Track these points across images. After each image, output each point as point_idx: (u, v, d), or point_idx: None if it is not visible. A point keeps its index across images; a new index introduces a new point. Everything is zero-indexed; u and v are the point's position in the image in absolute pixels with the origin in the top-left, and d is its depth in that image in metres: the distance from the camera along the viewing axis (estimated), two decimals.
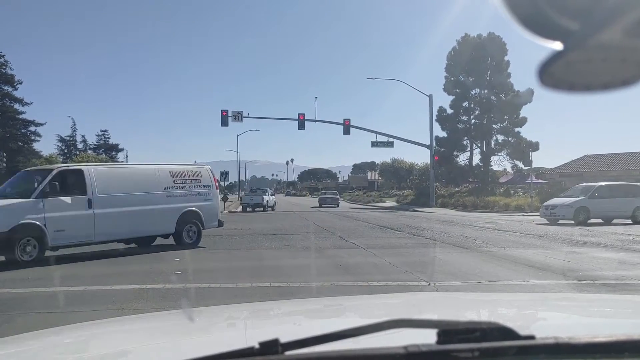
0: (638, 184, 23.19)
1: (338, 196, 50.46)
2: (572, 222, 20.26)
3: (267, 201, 35.59)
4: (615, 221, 21.15)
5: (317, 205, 44.10)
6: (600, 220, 21.08)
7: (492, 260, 10.34)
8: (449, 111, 46.41)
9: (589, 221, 20.33)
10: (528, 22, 0.71)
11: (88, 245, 11.14)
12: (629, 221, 20.66)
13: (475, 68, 44.58)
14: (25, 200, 10.06)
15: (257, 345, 0.93)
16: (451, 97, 46.36)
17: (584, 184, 23.67)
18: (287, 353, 0.92)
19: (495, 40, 44.56)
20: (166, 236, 12.53)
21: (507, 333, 0.95)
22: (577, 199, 21.06)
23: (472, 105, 46.46)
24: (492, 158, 46.04)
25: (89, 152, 70.97)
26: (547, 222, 20.87)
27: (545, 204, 22.26)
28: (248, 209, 34.92)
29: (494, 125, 45.42)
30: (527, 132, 52.50)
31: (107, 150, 75.59)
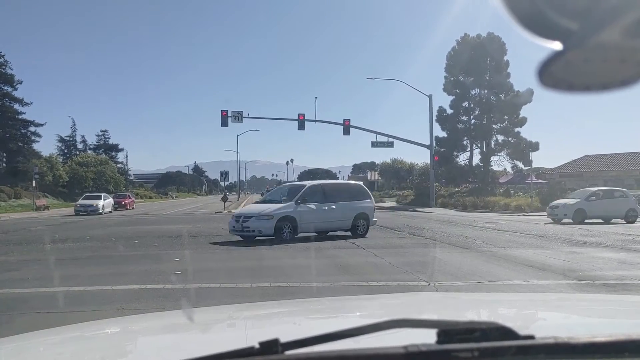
0: (625, 189, 25.93)
1: None
2: (572, 221, 21.56)
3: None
4: (613, 221, 22.60)
5: None
6: (600, 220, 22.35)
7: (492, 261, 10.34)
8: (449, 111, 46.44)
9: (586, 220, 21.75)
10: (527, 22, 0.71)
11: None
12: (623, 221, 22.37)
13: (474, 68, 44.59)
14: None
15: (257, 345, 0.93)
16: (451, 97, 46.42)
17: (584, 188, 26.40)
18: (287, 353, 0.92)
19: (495, 40, 44.58)
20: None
21: (506, 333, 0.95)
22: (576, 200, 22.68)
23: (472, 105, 46.48)
24: (492, 158, 46.07)
25: (89, 152, 71.13)
26: (552, 221, 22.20)
27: (551, 204, 23.81)
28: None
29: (493, 126, 45.45)
30: (527, 132, 52.61)
31: (107, 150, 75.74)
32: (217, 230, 17.89)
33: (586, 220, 21.83)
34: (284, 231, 14.03)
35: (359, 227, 15.34)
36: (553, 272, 8.96)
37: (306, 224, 14.33)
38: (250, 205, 18.16)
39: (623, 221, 22.45)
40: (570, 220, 21.71)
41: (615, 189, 25.30)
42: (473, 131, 46.33)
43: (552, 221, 22.26)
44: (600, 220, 22.21)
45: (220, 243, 13.78)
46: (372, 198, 16.80)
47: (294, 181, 19.75)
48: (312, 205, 14.62)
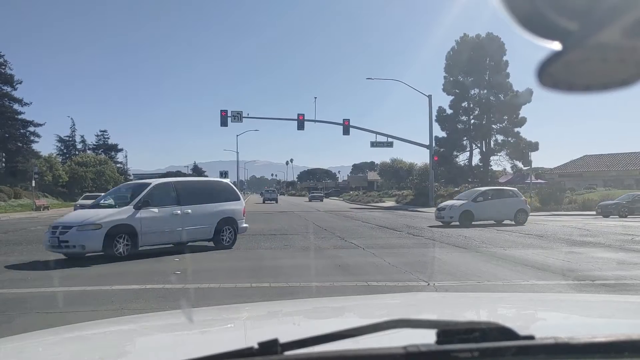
0: (515, 189, 24.45)
1: (322, 194, 73.94)
2: (458, 224, 19.95)
3: None
4: (505, 222, 21.17)
5: (308, 200, 62.12)
6: (492, 222, 20.87)
7: (492, 260, 10.35)
8: (449, 111, 46.50)
9: (473, 223, 20.21)
10: (527, 22, 0.71)
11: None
12: (513, 222, 20.92)
13: (474, 68, 44.65)
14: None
15: (256, 346, 0.93)
16: (450, 97, 46.48)
17: (474, 188, 25.67)
18: (287, 353, 0.92)
19: (494, 40, 44.64)
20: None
21: (506, 333, 0.95)
22: (463, 202, 21.11)
23: (472, 105, 46.53)
24: (491, 158, 46.15)
25: (88, 152, 71.10)
26: (441, 224, 20.34)
27: (439, 206, 22.27)
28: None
29: (493, 126, 45.50)
30: (526, 132, 52.65)
31: (107, 150, 75.68)
32: None
33: (474, 223, 20.23)
34: (118, 245, 10.90)
35: (224, 236, 12.77)
36: (552, 272, 8.96)
37: (151, 234, 11.47)
38: (75, 212, 14.91)
39: (513, 222, 20.83)
40: (457, 223, 20.09)
41: (505, 189, 24.04)
42: (472, 131, 46.37)
43: (441, 224, 20.41)
44: (492, 222, 20.78)
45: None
46: (242, 199, 14.34)
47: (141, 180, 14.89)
48: (156, 210, 11.66)
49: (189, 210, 12.10)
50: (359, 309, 2.16)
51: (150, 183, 12.30)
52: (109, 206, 11.83)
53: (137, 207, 11.38)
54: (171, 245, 12.16)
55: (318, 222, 22.04)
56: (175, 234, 11.94)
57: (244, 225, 13.59)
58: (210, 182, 14.79)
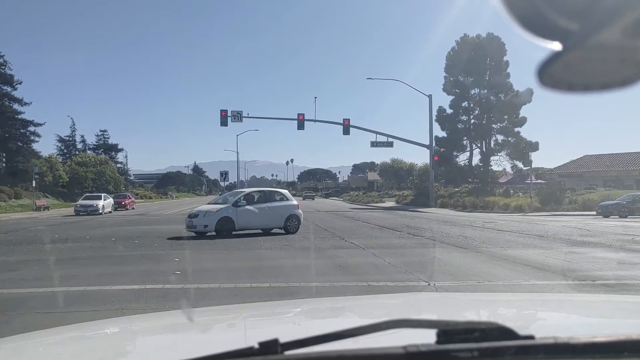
0: (286, 190, 20.02)
1: (313, 194, 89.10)
2: (215, 234, 15.87)
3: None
4: (274, 231, 16.98)
5: (302, 199, 65.93)
6: (259, 231, 16.85)
7: (492, 261, 10.35)
8: (449, 111, 46.46)
9: (234, 232, 16.17)
10: (527, 22, 0.71)
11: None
12: (282, 231, 16.97)
13: (474, 68, 44.62)
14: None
15: (256, 345, 0.93)
16: (451, 97, 46.45)
17: (236, 190, 22.69)
18: (287, 353, 0.92)
19: (495, 40, 44.62)
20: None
21: (506, 333, 0.95)
22: (222, 206, 16.70)
23: (472, 105, 46.50)
24: (491, 158, 46.09)
25: (89, 152, 71.12)
26: (194, 234, 16.01)
27: (192, 211, 17.17)
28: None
29: (493, 125, 45.47)
30: (526, 132, 52.67)
31: (107, 150, 75.72)
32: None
33: (236, 233, 16.17)
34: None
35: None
36: (552, 272, 8.96)
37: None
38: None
39: (282, 232, 16.95)
40: (214, 233, 15.87)
41: (275, 190, 19.74)
42: (473, 131, 46.35)
43: (194, 234, 16.00)
44: (259, 231, 16.81)
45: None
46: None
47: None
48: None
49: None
50: (359, 309, 2.16)
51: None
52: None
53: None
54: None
55: (318, 222, 22.05)
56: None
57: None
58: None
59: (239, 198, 17.01)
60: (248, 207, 16.78)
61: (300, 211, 18.00)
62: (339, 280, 8.15)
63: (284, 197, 18.10)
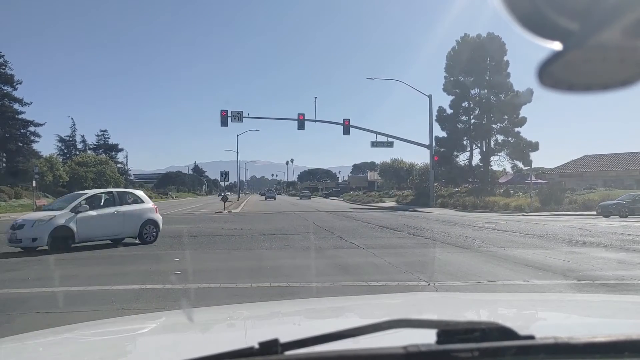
0: (141, 191, 16.39)
1: (310, 193, 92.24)
2: (48, 248, 12.36)
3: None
4: (127, 241, 14.02)
5: (299, 199, 77.34)
6: (106, 241, 13.89)
7: (492, 260, 10.35)
8: (449, 111, 46.46)
9: (74, 245, 12.74)
10: (527, 22, 0.71)
11: None
12: (137, 240, 14.01)
13: (474, 68, 44.61)
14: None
15: (256, 345, 0.93)
16: (451, 97, 46.44)
17: (75, 193, 15.58)
18: (287, 353, 0.92)
19: (495, 40, 44.59)
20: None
21: (506, 333, 0.95)
22: (57, 213, 12.99)
23: (472, 105, 46.49)
24: (491, 158, 46.07)
25: (89, 152, 71.14)
26: (21, 249, 12.43)
27: (15, 222, 13.12)
28: None
29: (493, 125, 45.45)
30: (526, 132, 52.72)
31: (107, 150, 75.75)
32: (217, 231, 17.91)
33: (76, 245, 12.77)
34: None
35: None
36: (553, 272, 8.96)
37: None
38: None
39: (138, 242, 13.93)
40: (47, 248, 12.34)
41: (126, 191, 15.75)
42: (473, 131, 46.33)
43: (21, 250, 12.42)
44: (107, 241, 13.81)
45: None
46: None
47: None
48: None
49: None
50: (359, 309, 2.16)
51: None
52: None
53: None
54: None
55: (318, 222, 22.04)
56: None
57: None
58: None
59: (80, 202, 13.27)
60: (91, 212, 13.27)
61: (159, 215, 14.86)
62: (339, 280, 8.15)
63: (138, 199, 14.78)
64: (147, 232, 14.17)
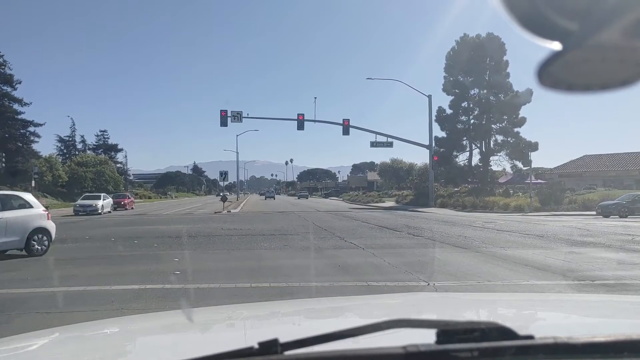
0: (29, 194, 13.25)
1: (307, 193, 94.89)
2: None
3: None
4: (11, 253, 11.45)
5: (297, 198, 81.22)
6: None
7: (492, 261, 10.35)
8: (448, 111, 46.46)
9: None
10: (527, 22, 0.71)
11: None
12: (24, 252, 11.68)
13: (474, 68, 44.62)
14: None
15: (256, 345, 0.93)
16: (450, 97, 46.44)
17: None
18: (287, 353, 0.92)
19: (494, 40, 44.60)
20: None
21: (506, 333, 0.95)
22: None
23: (471, 105, 46.49)
24: (491, 158, 46.09)
25: (88, 152, 71.12)
26: None
27: None
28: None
29: (493, 126, 45.46)
30: (526, 132, 52.77)
31: (106, 150, 75.72)
32: (216, 231, 17.90)
33: None
34: None
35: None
36: (552, 272, 8.96)
37: None
38: None
39: (25, 253, 11.62)
40: None
41: (10, 194, 13.21)
42: (472, 131, 46.34)
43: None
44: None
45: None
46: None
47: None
48: None
49: None
50: (359, 309, 2.16)
51: None
52: None
53: None
54: None
55: (318, 222, 22.04)
56: None
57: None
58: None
59: None
60: None
61: (51, 222, 12.53)
62: (338, 280, 8.15)
63: (26, 204, 12.16)
64: (36, 241, 11.84)
